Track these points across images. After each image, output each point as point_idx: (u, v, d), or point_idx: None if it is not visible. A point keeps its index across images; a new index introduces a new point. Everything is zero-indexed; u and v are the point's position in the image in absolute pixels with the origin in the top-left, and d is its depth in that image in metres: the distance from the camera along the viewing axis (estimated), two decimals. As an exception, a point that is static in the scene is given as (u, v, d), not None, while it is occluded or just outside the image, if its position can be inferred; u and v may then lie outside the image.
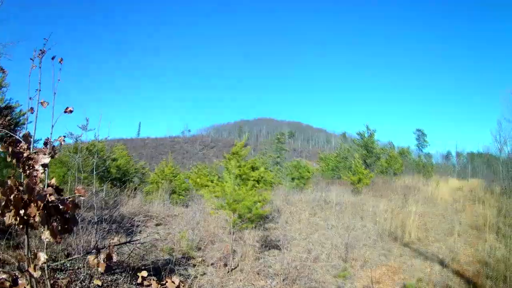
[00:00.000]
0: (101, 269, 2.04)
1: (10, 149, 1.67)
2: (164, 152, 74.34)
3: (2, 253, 4.09)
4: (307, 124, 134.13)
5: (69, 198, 1.97)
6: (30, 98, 1.99)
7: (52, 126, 2.27)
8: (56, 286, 2.07)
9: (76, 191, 2.04)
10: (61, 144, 2.38)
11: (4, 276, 1.48)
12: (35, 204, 1.63)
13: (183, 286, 2.43)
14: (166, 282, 2.32)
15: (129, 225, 7.51)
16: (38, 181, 1.80)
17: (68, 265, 4.38)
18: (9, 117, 5.37)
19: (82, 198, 2.16)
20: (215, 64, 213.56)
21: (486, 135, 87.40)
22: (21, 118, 7.32)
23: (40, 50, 2.12)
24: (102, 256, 2.06)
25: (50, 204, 1.83)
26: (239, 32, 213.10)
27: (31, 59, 2.05)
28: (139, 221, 8.21)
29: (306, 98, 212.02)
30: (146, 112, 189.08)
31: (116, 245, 4.89)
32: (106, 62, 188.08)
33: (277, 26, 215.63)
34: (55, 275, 3.99)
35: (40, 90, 2.10)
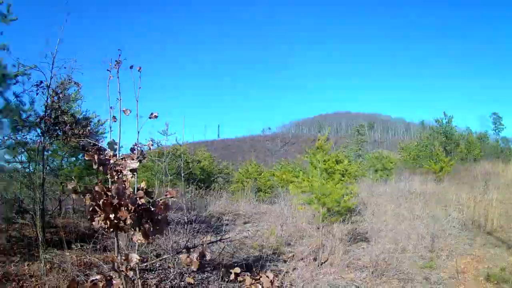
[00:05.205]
0: (194, 267, 2.03)
1: (95, 157, 1.74)
2: (246, 151, 77.30)
3: (89, 256, 4.50)
4: (385, 115, 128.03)
5: (160, 200, 2.01)
6: (111, 108, 2.07)
7: (138, 132, 2.35)
8: (146, 285, 2.14)
9: (167, 193, 2.08)
10: (149, 148, 2.48)
11: (98, 277, 1.53)
12: (125, 208, 1.66)
13: (276, 281, 2.32)
14: (260, 277, 2.25)
15: (218, 224, 7.84)
16: (128, 186, 1.85)
17: (157, 265, 4.64)
18: (89, 127, 5.96)
19: (173, 199, 2.21)
20: (292, 62, 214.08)
21: None
22: (100, 128, 7.72)
23: (116, 61, 2.21)
24: (194, 254, 2.06)
25: (140, 207, 1.88)
26: (306, 28, 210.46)
27: (108, 70, 2.13)
28: (227, 220, 8.54)
29: (382, 88, 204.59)
30: (224, 115, 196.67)
31: (208, 243, 5.09)
32: (176, 66, 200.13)
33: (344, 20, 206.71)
34: (145, 275, 4.22)
35: (121, 99, 2.19)
